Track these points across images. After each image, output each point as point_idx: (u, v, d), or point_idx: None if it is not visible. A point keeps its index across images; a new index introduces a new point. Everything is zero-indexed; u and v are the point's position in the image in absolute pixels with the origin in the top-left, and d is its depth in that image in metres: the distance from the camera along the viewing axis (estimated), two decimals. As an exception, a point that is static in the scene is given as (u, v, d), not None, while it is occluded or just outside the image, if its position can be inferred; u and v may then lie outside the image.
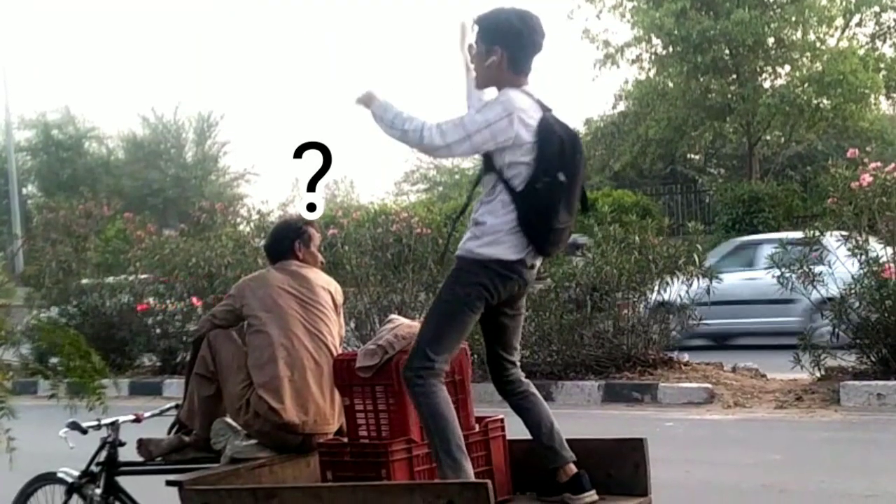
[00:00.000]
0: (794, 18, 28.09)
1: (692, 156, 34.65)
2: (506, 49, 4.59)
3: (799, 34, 28.76)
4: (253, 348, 5.54)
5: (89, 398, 4.26)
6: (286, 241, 5.86)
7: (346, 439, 5.04)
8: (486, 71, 4.65)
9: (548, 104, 4.68)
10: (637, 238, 12.82)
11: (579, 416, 10.64)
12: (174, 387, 14.70)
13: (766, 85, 29.51)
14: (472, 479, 4.47)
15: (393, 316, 5.24)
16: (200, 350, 5.71)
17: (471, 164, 40.43)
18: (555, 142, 4.52)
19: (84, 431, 5.77)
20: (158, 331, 16.29)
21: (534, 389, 4.95)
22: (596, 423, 10.47)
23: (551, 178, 4.50)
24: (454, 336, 4.64)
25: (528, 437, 4.91)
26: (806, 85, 27.88)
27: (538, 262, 4.77)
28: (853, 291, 11.38)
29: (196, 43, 77.57)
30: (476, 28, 4.69)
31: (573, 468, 4.75)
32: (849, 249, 11.34)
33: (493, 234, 4.59)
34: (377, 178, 69.53)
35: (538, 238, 4.58)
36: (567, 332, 12.68)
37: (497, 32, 4.61)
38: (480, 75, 4.71)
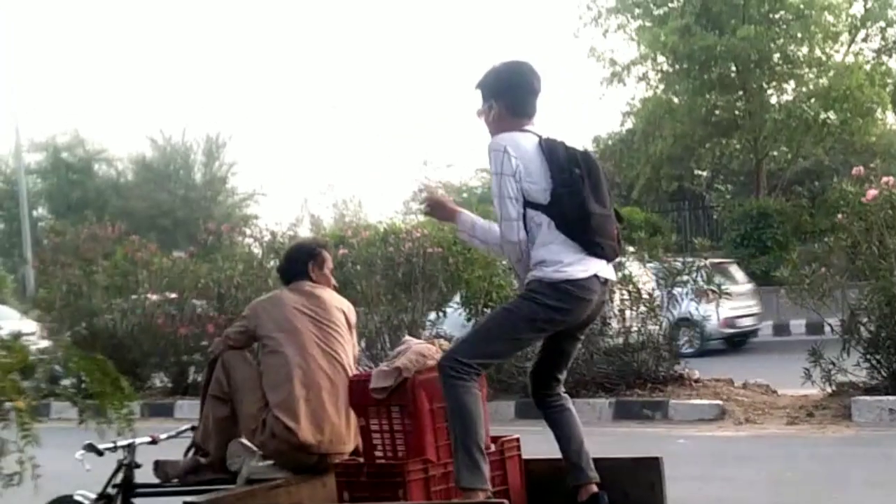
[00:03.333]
0: (799, 34, 28.10)
1: (700, 172, 34.63)
2: (501, 100, 4.92)
3: (805, 50, 28.76)
4: (268, 368, 5.56)
5: (119, 423, 4.29)
6: (300, 262, 5.90)
7: (362, 459, 5.05)
8: (492, 124, 4.95)
9: (553, 136, 4.87)
10: (646, 255, 12.84)
11: (590, 433, 10.42)
12: (186, 408, 14.73)
13: (773, 101, 29.51)
14: (488, 482, 4.53)
15: (407, 338, 5.27)
16: (215, 371, 5.74)
17: (479, 182, 40.48)
18: (559, 150, 4.74)
19: (100, 453, 5.79)
20: (170, 352, 16.27)
21: (570, 405, 5.05)
22: (607, 440, 10.41)
23: (567, 174, 4.67)
24: (503, 348, 4.78)
25: (544, 456, 4.92)
26: (812, 100, 27.87)
27: (610, 275, 4.83)
28: (863, 307, 11.36)
29: (203, 65, 77.80)
30: (478, 92, 5.01)
31: (594, 488, 4.78)
32: (859, 266, 11.33)
33: (549, 254, 4.69)
34: (385, 197, 69.62)
35: (581, 233, 4.67)
36: (577, 350, 12.69)
37: (491, 88, 4.96)
38: (490, 129, 4.96)
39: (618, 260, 5.21)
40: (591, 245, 4.70)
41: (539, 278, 4.70)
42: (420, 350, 4.92)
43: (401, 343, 5.18)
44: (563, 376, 5.02)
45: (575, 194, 4.66)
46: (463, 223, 5.08)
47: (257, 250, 16.71)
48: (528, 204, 4.74)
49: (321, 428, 5.41)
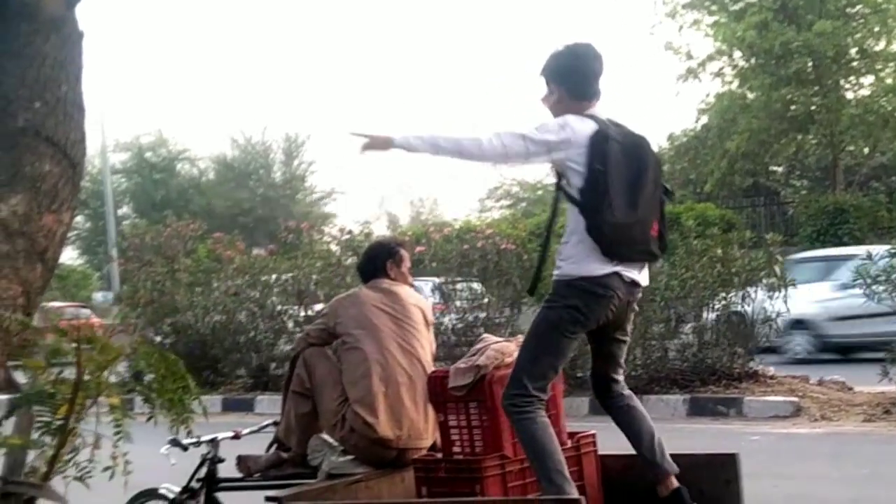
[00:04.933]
0: (877, 28, 27.68)
1: (775, 168, 34.23)
2: (562, 84, 4.87)
3: (882, 44, 28.31)
4: (347, 365, 5.61)
5: (178, 421, 4.35)
6: (379, 260, 5.94)
7: (440, 455, 5.08)
8: (554, 108, 4.90)
9: (617, 121, 4.83)
10: (720, 251, 12.74)
11: (664, 430, 10.39)
12: (265, 403, 14.87)
13: (850, 96, 29.09)
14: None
15: (485, 335, 5.29)
16: (296, 368, 5.79)
17: (555, 179, 40.30)
18: (604, 143, 4.64)
19: (185, 448, 5.86)
20: (251, 348, 16.44)
21: (636, 402, 5.00)
22: (682, 437, 10.36)
23: (600, 175, 4.59)
24: (549, 362, 4.68)
25: (621, 452, 4.91)
26: (891, 95, 27.41)
27: (639, 276, 4.76)
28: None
29: (283, 63, 78.47)
30: (542, 79, 4.95)
31: (674, 482, 4.75)
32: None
33: (574, 250, 4.66)
34: (461, 195, 69.65)
35: (603, 237, 4.59)
36: (651, 346, 12.62)
37: (552, 73, 4.92)
38: (553, 114, 4.90)
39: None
40: (611, 254, 4.62)
41: (557, 278, 4.69)
42: (498, 348, 4.94)
43: (478, 340, 5.21)
44: (619, 376, 4.97)
45: (602, 200, 4.57)
46: (404, 139, 4.75)
47: (335, 248, 16.81)
48: (564, 190, 4.73)
49: (399, 423, 5.45)
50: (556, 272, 4.72)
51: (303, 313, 15.55)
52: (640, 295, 4.84)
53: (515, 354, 4.80)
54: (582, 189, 4.63)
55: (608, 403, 4.97)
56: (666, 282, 12.66)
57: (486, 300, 14.01)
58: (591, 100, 4.85)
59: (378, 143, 4.75)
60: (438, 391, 5.00)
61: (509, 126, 4.77)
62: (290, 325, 15.68)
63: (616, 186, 4.58)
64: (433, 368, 5.61)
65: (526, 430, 4.58)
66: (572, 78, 4.85)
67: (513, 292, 13.79)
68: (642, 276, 4.79)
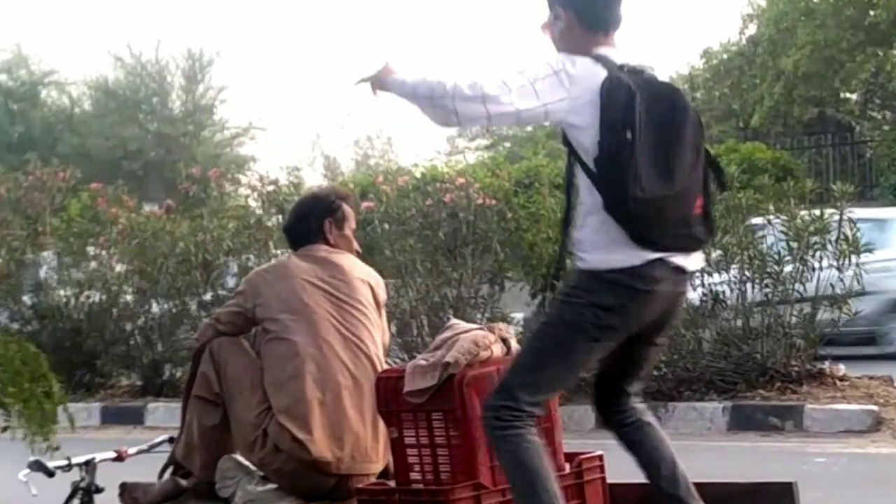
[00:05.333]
0: None
1: (848, 94, 34.36)
2: (570, 7, 4.85)
3: None
4: (271, 362, 5.62)
5: (36, 436, 4.33)
6: (314, 219, 5.97)
7: (393, 483, 5.09)
8: (560, 39, 4.87)
9: (638, 66, 4.81)
10: (772, 207, 12.73)
11: (698, 449, 10.61)
12: (160, 413, 14.84)
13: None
14: None
15: (454, 321, 5.28)
16: (201, 366, 5.80)
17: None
18: (620, 96, 4.61)
19: (50, 473, 5.83)
20: (140, 339, 16.39)
21: (650, 417, 4.99)
22: (721, 458, 10.42)
23: (616, 139, 4.57)
24: (555, 374, 4.69)
25: (635, 480, 4.92)
26: None
27: (687, 260, 4.75)
28: None
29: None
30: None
31: (701, 523, 4.78)
32: None
33: (596, 237, 4.65)
34: (424, 133, 69.42)
35: (629, 218, 4.57)
36: (679, 337, 12.61)
37: None
38: (556, 46, 4.88)
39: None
40: (640, 240, 4.61)
41: (580, 268, 4.68)
42: (473, 338, 4.93)
43: (445, 327, 5.20)
44: (634, 389, 4.98)
45: (620, 171, 4.55)
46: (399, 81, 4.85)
47: (255, 204, 16.75)
48: (574, 156, 4.72)
49: (340, 440, 5.47)
50: (578, 263, 4.71)
51: (210, 292, 15.50)
52: (689, 286, 4.83)
53: (495, 348, 4.79)
54: (597, 157, 4.61)
55: (615, 421, 4.96)
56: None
57: (456, 274, 14.00)
58: (608, 29, 4.85)
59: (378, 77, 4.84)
60: (390, 398, 5.00)
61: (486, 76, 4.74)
62: (194, 307, 15.64)
63: (643, 151, 4.56)
64: (385, 366, 5.61)
65: (510, 451, 4.57)
66: None
67: (493, 263, 13.78)
68: (692, 261, 4.79)
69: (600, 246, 4.63)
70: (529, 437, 4.59)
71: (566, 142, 4.77)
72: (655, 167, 4.58)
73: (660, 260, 4.62)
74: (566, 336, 4.63)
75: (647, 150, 4.56)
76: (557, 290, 4.81)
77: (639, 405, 4.98)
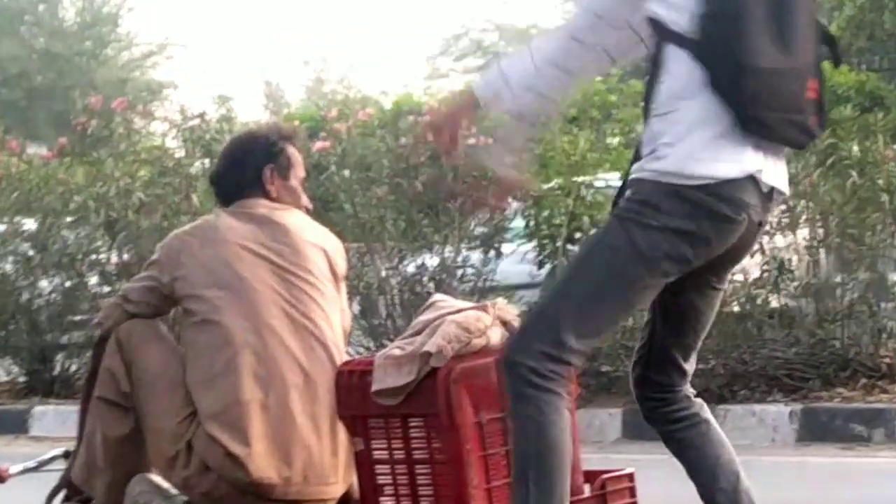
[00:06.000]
0: None
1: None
2: None
3: None
4: (197, 353, 5.64)
5: None
6: (250, 165, 5.98)
7: (357, 510, 5.14)
8: None
9: None
10: (855, 148, 12.76)
11: (759, 465, 10.53)
12: (49, 418, 14.90)
13: None
14: None
15: (436, 297, 5.31)
16: (105, 358, 5.80)
17: (564, 21, 40.48)
18: None
19: None
20: (23, 322, 16.40)
21: (708, 414, 4.99)
22: (789, 475, 10.46)
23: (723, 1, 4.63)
24: (609, 311, 4.69)
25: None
26: None
27: (776, 181, 4.76)
28: None
29: None
30: None
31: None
32: None
33: (687, 129, 4.64)
34: (395, 50, 69.14)
35: (743, 93, 4.58)
36: (734, 324, 12.62)
37: None
38: None
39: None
40: (751, 122, 4.61)
41: (654, 177, 4.66)
42: (462, 321, 4.96)
43: (426, 306, 5.24)
44: (690, 364, 4.97)
45: (725, 30, 4.60)
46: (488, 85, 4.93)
47: (173, 144, 16.74)
48: (660, 31, 4.72)
49: (288, 456, 5.48)
50: (649, 165, 4.68)
51: (115, 259, 15.50)
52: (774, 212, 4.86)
53: (492, 333, 4.82)
54: (702, 21, 4.62)
55: (663, 415, 4.95)
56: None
57: (439, 236, 14.01)
58: None
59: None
60: (355, 399, 5.03)
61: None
62: (94, 280, 15.65)
63: (754, 13, 4.61)
64: (345, 358, 5.64)
65: (536, 422, 4.48)
66: None
67: (487, 221, 13.80)
68: (782, 179, 4.81)
69: (692, 136, 4.62)
70: (564, 409, 4.53)
71: (652, 22, 4.75)
72: (769, 33, 4.62)
73: (752, 177, 4.63)
74: (627, 265, 4.61)
75: (756, 9, 4.61)
76: (619, 207, 4.73)
77: (696, 399, 4.97)
